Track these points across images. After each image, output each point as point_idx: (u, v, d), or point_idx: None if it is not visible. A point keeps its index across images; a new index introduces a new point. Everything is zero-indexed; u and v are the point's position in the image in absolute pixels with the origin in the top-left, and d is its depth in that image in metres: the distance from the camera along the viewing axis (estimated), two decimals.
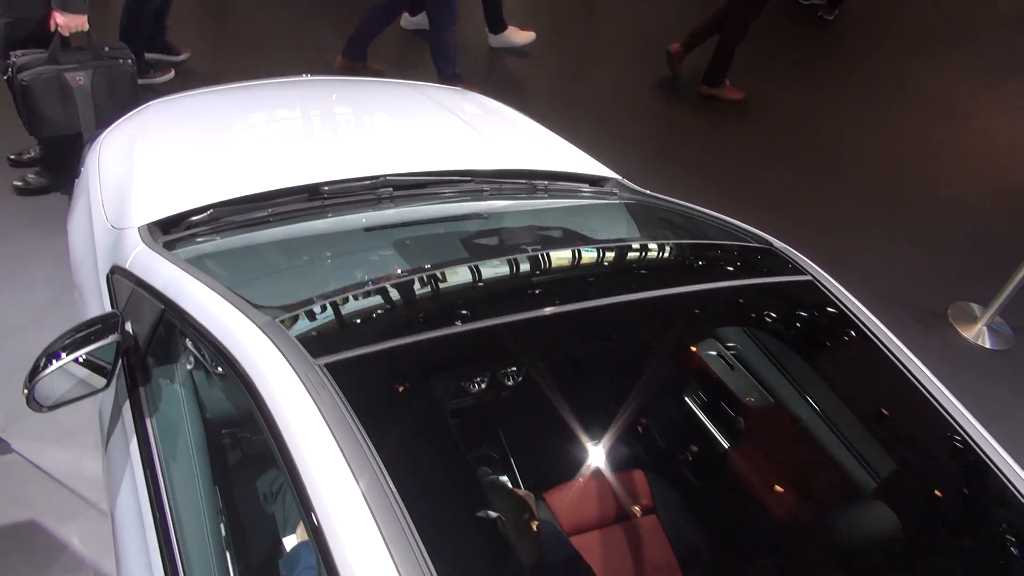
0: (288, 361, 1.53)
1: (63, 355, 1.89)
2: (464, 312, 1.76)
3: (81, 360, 1.90)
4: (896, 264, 5.01)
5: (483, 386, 2.29)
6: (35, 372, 1.88)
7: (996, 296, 4.50)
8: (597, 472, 2.14)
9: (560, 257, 2.19)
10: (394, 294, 1.88)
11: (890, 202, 5.57)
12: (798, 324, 2.18)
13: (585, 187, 2.88)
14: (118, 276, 2.24)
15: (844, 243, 5.06)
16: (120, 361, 2.02)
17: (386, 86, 3.58)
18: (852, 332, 2.05)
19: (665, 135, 5.79)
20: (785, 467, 2.24)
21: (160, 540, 1.76)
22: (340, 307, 1.78)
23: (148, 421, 1.97)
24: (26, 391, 1.88)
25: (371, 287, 1.92)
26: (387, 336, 1.67)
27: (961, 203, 5.70)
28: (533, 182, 2.76)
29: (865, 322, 2.05)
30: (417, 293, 1.91)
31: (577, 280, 2.10)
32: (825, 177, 5.72)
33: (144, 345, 2.04)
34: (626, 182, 2.97)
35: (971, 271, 5.03)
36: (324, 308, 1.76)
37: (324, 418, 1.42)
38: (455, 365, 1.83)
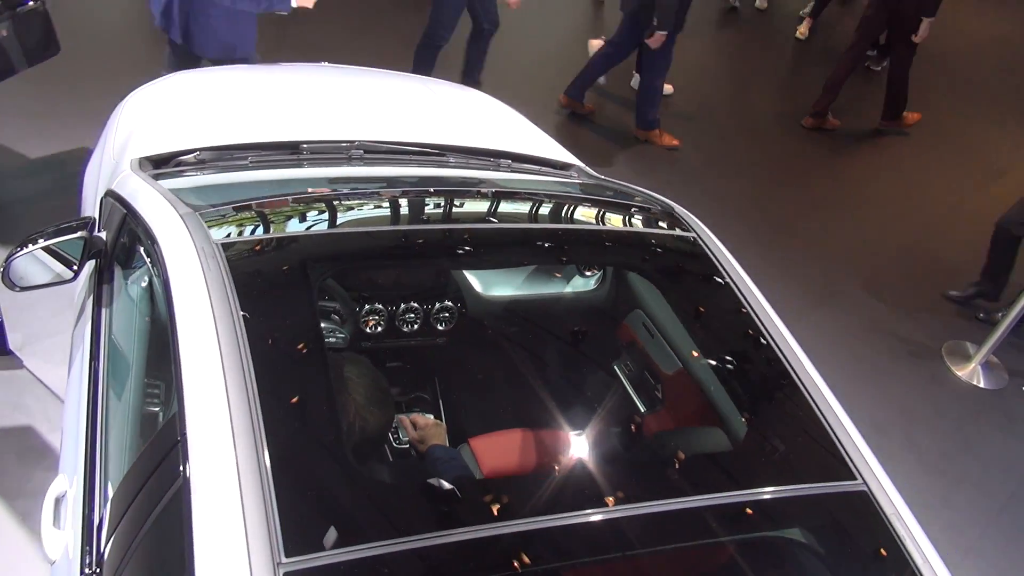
0: (191, 236, 1.81)
1: (38, 242, 2.22)
2: (365, 223, 2.02)
3: (51, 245, 2.22)
4: (897, 300, 5.04)
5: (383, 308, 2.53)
6: (11, 254, 2.21)
7: (990, 334, 4.50)
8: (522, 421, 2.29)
9: (483, 197, 2.45)
10: (318, 207, 2.16)
11: (904, 240, 5.61)
12: (673, 270, 2.36)
13: (547, 169, 3.11)
14: (107, 198, 2.58)
15: (849, 275, 5.14)
16: (88, 259, 2.33)
17: (398, 78, 3.91)
18: (718, 281, 2.20)
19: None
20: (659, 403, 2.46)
21: (88, 418, 2.00)
22: (259, 210, 2.07)
23: (103, 313, 2.26)
24: (0, 269, 2.21)
25: (297, 204, 2.20)
26: (287, 229, 1.94)
27: (973, 247, 5.68)
28: (497, 160, 3.01)
29: (730, 274, 2.20)
30: (338, 209, 2.19)
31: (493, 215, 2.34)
32: (847, 213, 5.80)
33: (110, 249, 2.35)
34: (587, 169, 3.20)
35: (966, 310, 5.04)
36: (245, 209, 2.04)
37: (207, 286, 1.68)
38: (338, 258, 2.06)
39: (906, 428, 4.19)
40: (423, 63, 5.49)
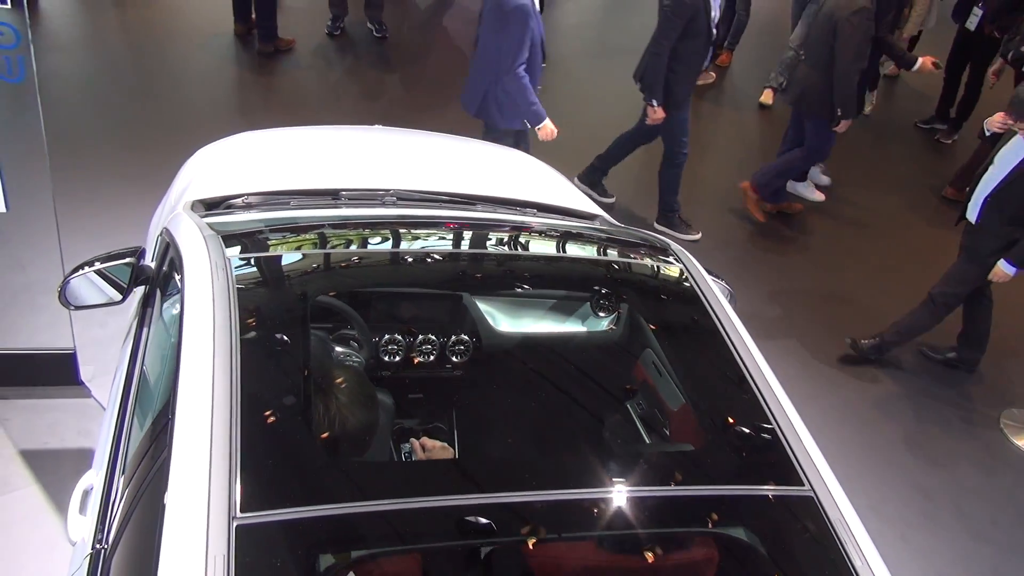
0: (208, 251, 2.05)
1: (92, 265, 2.51)
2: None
3: (103, 269, 2.50)
4: (954, 371, 4.92)
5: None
6: (68, 275, 2.50)
7: None
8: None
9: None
10: (337, 235, 2.39)
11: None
12: (659, 304, 2.51)
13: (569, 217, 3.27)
14: (161, 235, 2.87)
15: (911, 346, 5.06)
16: (135, 284, 2.60)
17: (442, 137, 4.18)
18: (702, 316, 2.30)
19: None
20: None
21: (117, 421, 2.24)
22: (276, 235, 2.31)
23: (143, 332, 2.52)
24: (59, 289, 2.50)
25: (315, 232, 2.43)
26: (297, 250, 2.17)
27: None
28: (523, 209, 3.20)
29: (715, 309, 2.29)
30: (355, 238, 2.41)
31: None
32: (909, 277, 5.72)
33: (155, 276, 2.62)
34: (610, 219, 3.34)
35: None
36: (262, 233, 2.28)
37: (213, 292, 1.91)
38: (339, 274, 2.27)
39: (956, 496, 4.06)
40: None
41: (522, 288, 2.86)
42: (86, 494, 2.16)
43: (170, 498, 1.47)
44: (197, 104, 6.05)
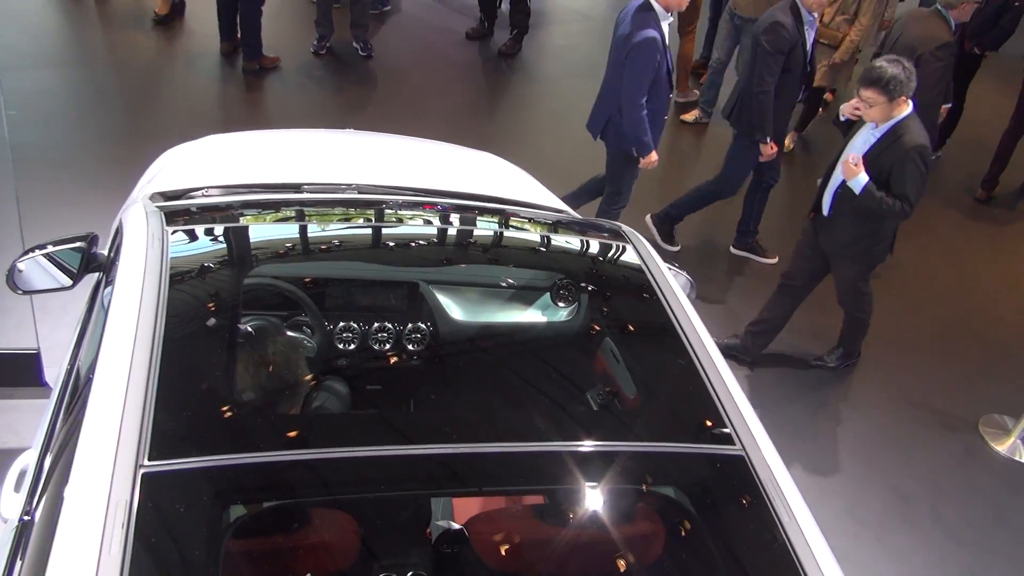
0: (147, 222, 2.05)
1: (44, 247, 2.50)
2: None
3: (52, 253, 2.49)
4: (933, 373, 4.89)
5: None
6: (16, 259, 2.49)
7: None
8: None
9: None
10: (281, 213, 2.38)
11: (949, 314, 5.45)
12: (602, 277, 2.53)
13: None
14: (116, 224, 2.87)
15: (886, 344, 5.02)
16: (86, 270, 2.58)
17: (413, 140, 4.19)
18: (649, 294, 2.29)
19: None
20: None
21: (55, 403, 2.22)
22: (222, 210, 2.30)
23: (90, 318, 2.50)
24: (7, 272, 2.48)
25: (261, 209, 2.43)
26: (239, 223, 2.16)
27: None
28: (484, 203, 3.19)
29: (662, 287, 2.29)
30: (299, 216, 2.40)
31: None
32: (894, 284, 5.69)
33: (106, 264, 2.61)
34: (575, 214, 3.34)
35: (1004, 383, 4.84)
36: (210, 210, 2.27)
37: (146, 259, 1.90)
38: (277, 248, 2.25)
39: (933, 499, 4.01)
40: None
41: (479, 276, 2.85)
42: (22, 473, 2.13)
43: (79, 448, 1.45)
44: (180, 119, 6.07)
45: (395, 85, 7.17)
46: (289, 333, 2.65)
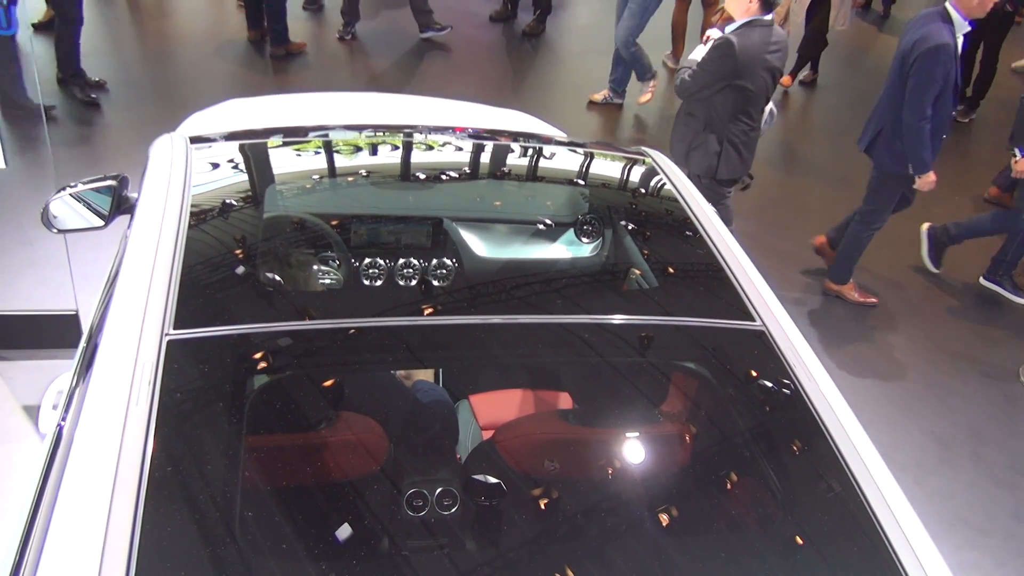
0: (172, 146, 2.10)
1: (75, 186, 2.56)
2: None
3: (83, 192, 2.55)
4: (973, 323, 4.81)
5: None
6: (50, 199, 2.55)
7: None
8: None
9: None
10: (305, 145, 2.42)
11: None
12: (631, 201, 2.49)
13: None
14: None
15: (922, 296, 4.95)
16: (118, 211, 2.64)
17: (436, 99, 4.22)
18: (673, 202, 2.29)
19: None
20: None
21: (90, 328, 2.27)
22: (247, 139, 2.34)
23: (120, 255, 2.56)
24: (40, 211, 2.54)
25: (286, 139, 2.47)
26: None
27: None
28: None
29: (686, 199, 2.28)
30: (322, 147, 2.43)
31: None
32: None
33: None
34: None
35: None
36: (234, 138, 2.32)
37: (170, 175, 1.94)
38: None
39: (973, 444, 3.94)
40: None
41: (506, 212, 2.86)
42: (59, 393, 2.19)
43: (109, 320, 1.49)
44: (208, 102, 6.17)
45: (420, 67, 7.23)
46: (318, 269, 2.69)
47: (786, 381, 1.63)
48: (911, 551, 1.37)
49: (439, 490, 1.59)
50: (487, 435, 2.04)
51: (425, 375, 2.26)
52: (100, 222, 2.63)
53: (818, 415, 1.57)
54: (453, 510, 1.49)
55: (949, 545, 3.41)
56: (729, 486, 1.63)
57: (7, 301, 3.62)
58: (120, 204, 2.64)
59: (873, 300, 4.87)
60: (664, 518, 1.56)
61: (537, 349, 1.68)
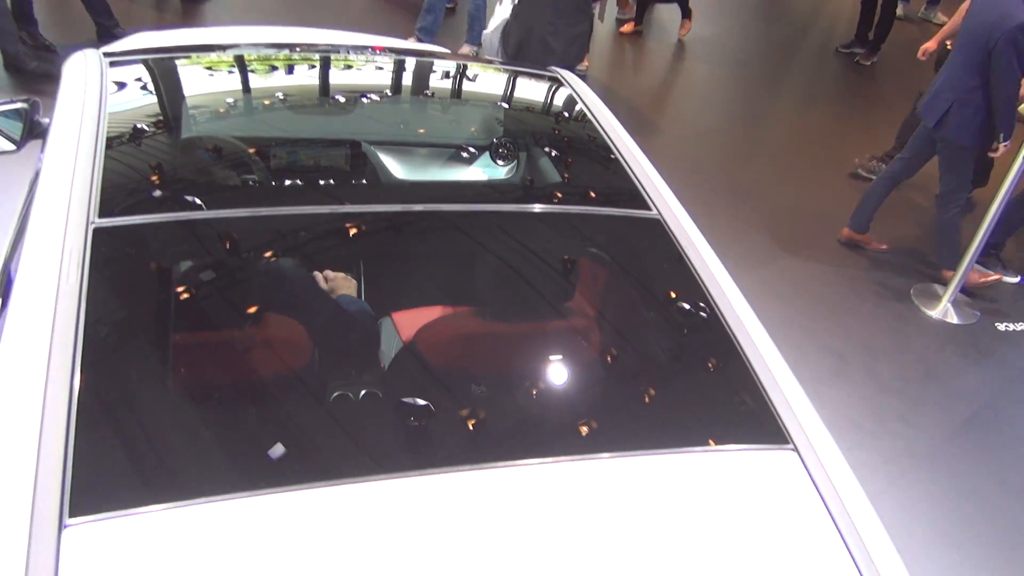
0: (86, 61, 2.11)
1: None
2: None
3: None
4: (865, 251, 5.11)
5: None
6: None
7: (955, 274, 4.55)
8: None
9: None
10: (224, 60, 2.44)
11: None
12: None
13: None
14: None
15: (823, 225, 5.22)
16: (30, 136, 2.62)
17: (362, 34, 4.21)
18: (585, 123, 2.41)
19: None
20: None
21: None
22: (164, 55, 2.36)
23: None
24: None
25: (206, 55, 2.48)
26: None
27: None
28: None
29: (597, 117, 2.40)
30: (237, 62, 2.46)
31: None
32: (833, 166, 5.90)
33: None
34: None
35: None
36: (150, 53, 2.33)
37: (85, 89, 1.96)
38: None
39: (867, 358, 4.22)
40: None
41: (422, 134, 2.93)
42: None
43: (34, 209, 1.53)
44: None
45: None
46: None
47: (679, 263, 1.79)
48: (788, 406, 1.55)
49: (363, 392, 1.69)
50: (407, 336, 2.15)
51: (348, 286, 2.34)
52: (12, 147, 2.61)
53: (707, 291, 1.73)
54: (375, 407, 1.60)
55: (843, 446, 3.68)
56: (627, 360, 1.79)
57: None
58: (32, 129, 2.62)
59: (996, 277, 4.92)
60: (571, 398, 1.70)
61: (449, 237, 1.78)
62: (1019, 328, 4.62)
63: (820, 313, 4.50)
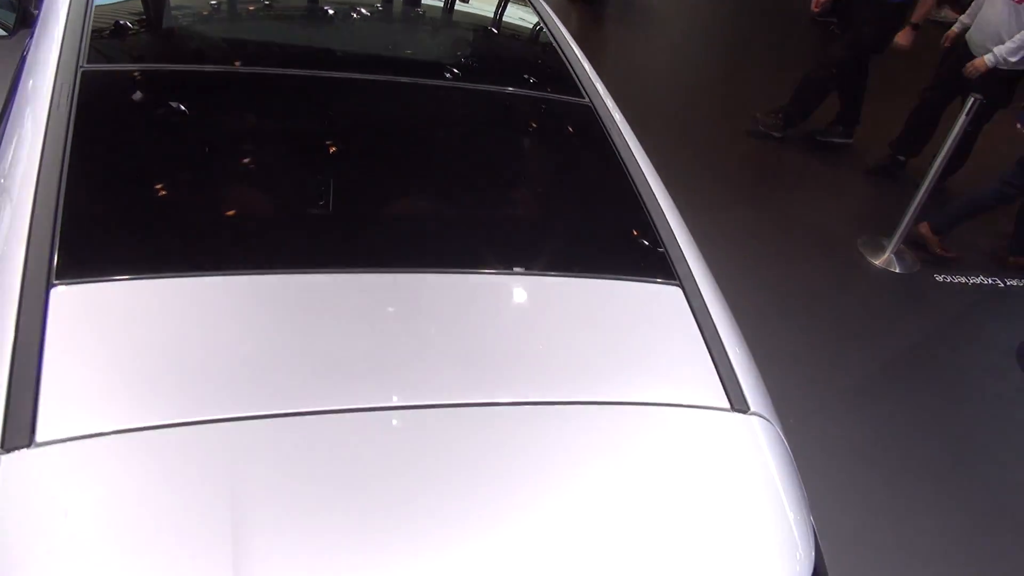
0: None
1: None
2: None
3: None
4: (815, 194, 5.35)
5: None
6: None
7: (898, 225, 4.80)
8: None
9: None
10: None
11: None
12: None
13: None
14: None
15: (764, 173, 5.45)
16: (22, 25, 2.79)
17: None
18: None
19: None
20: None
21: None
22: None
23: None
24: None
25: None
26: None
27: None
28: None
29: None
30: None
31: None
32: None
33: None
34: None
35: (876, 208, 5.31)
36: None
37: None
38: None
39: (808, 300, 4.47)
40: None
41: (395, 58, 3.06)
42: None
43: (28, 54, 1.73)
44: None
45: None
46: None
47: (604, 142, 2.01)
48: (679, 249, 1.79)
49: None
50: None
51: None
52: (3, 33, 2.78)
53: (623, 162, 1.96)
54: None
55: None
56: (544, 196, 2.00)
57: None
58: (25, 19, 2.79)
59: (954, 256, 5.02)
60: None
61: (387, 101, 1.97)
62: (956, 280, 4.87)
63: (768, 265, 4.74)
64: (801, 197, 5.43)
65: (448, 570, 1.17)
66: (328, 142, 1.84)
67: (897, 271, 4.83)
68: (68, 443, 1.18)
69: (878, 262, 4.87)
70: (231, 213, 1.71)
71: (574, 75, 2.20)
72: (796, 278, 4.62)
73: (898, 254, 4.87)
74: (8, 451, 1.16)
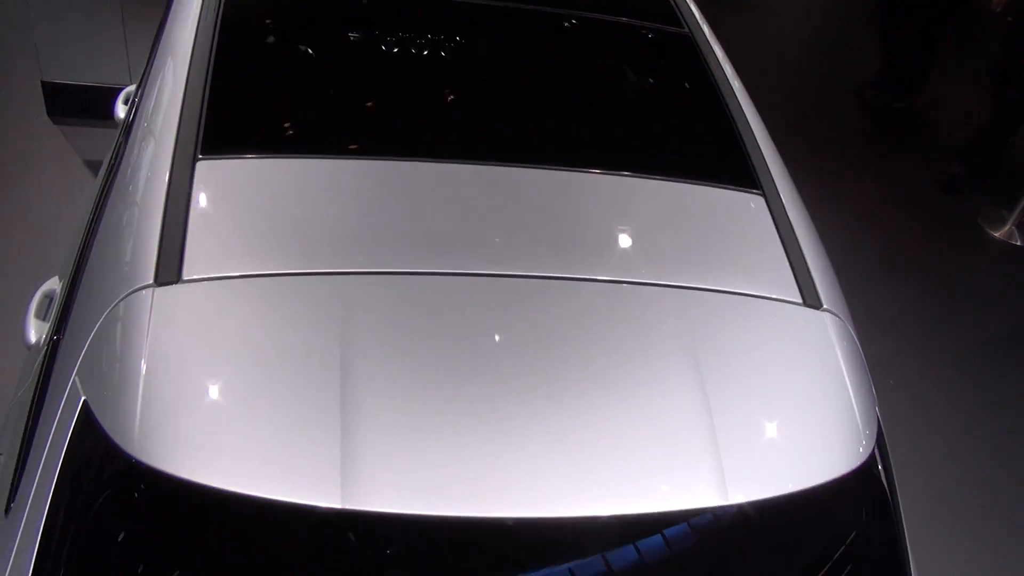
0: None
1: None
2: None
3: None
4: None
5: None
6: None
7: (1019, 197, 4.65)
8: None
9: None
10: None
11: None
12: None
13: None
14: None
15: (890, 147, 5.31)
16: None
17: None
18: None
19: None
20: None
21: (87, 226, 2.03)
22: None
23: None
24: None
25: None
26: None
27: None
28: None
29: None
30: None
31: None
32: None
33: None
34: None
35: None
36: None
37: None
38: None
39: (923, 267, 4.37)
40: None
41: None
42: (49, 300, 1.97)
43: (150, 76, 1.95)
44: None
45: None
46: None
47: (704, 73, 2.09)
48: (764, 161, 1.86)
49: None
50: None
51: None
52: None
53: (726, 104, 2.01)
54: None
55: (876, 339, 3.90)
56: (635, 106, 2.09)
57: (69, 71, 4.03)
58: None
59: None
60: None
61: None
62: None
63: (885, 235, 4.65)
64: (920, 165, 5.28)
65: (535, 413, 1.31)
66: (451, 57, 1.96)
67: (1018, 244, 4.65)
68: (208, 282, 1.39)
69: (998, 234, 4.71)
70: (361, 106, 1.89)
71: (675, 7, 2.26)
72: (911, 249, 4.53)
73: (1020, 226, 4.69)
74: (160, 285, 1.37)
